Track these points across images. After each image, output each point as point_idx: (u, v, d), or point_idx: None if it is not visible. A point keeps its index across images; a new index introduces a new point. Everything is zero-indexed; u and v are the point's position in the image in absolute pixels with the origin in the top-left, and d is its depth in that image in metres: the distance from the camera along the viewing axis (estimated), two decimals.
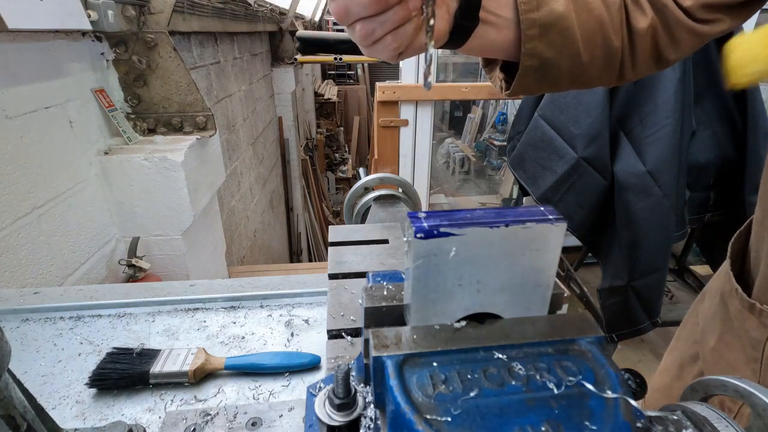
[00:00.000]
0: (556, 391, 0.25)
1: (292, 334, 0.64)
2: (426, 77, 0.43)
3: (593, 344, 0.29)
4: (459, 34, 0.49)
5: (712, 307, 0.69)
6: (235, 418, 0.41)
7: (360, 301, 0.34)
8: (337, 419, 0.31)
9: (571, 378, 0.26)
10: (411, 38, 0.44)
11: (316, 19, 7.37)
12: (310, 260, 4.69)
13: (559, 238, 0.29)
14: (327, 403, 0.32)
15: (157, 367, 0.54)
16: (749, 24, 2.17)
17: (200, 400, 0.53)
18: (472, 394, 0.25)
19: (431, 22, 0.40)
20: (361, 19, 0.41)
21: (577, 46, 0.51)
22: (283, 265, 3.33)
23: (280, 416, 0.42)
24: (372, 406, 0.31)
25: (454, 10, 0.47)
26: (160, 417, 0.50)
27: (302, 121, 5.18)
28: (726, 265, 0.67)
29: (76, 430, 0.38)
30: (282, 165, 4.15)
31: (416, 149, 2.53)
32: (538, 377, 0.26)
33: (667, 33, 0.53)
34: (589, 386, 0.26)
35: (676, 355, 0.81)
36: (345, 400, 0.31)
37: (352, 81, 9.47)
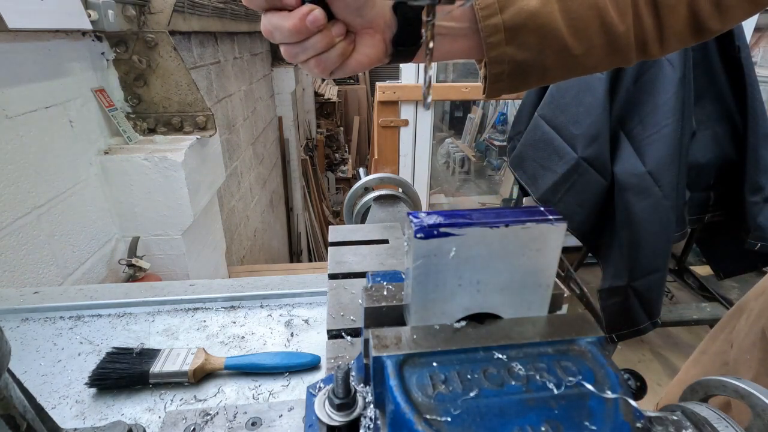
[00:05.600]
0: (555, 392, 0.25)
1: (292, 334, 0.64)
2: (425, 98, 0.43)
3: (593, 344, 0.29)
4: (400, 57, 0.47)
5: (751, 336, 0.61)
6: (234, 417, 0.41)
7: (360, 301, 0.34)
8: (337, 419, 0.31)
9: (570, 378, 0.26)
10: (336, 63, 0.43)
11: None
12: (310, 260, 4.69)
13: (559, 238, 0.29)
14: (327, 403, 0.32)
15: (157, 367, 0.53)
16: (749, 23, 2.17)
17: (200, 400, 0.53)
18: (471, 394, 0.25)
19: (430, 45, 0.40)
20: (284, 43, 0.41)
21: (562, 41, 0.46)
22: (283, 265, 3.32)
23: (280, 416, 0.42)
24: (372, 406, 0.31)
25: (389, 38, 0.45)
26: (159, 417, 0.50)
27: (302, 121, 5.18)
28: None
29: (75, 429, 0.38)
30: (282, 165, 4.15)
31: (416, 149, 2.53)
32: (537, 377, 0.26)
33: (712, 0, 0.46)
34: (589, 386, 0.26)
35: (699, 371, 0.74)
36: (345, 400, 0.31)
37: (352, 81, 9.47)
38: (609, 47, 0.47)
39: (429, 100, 0.43)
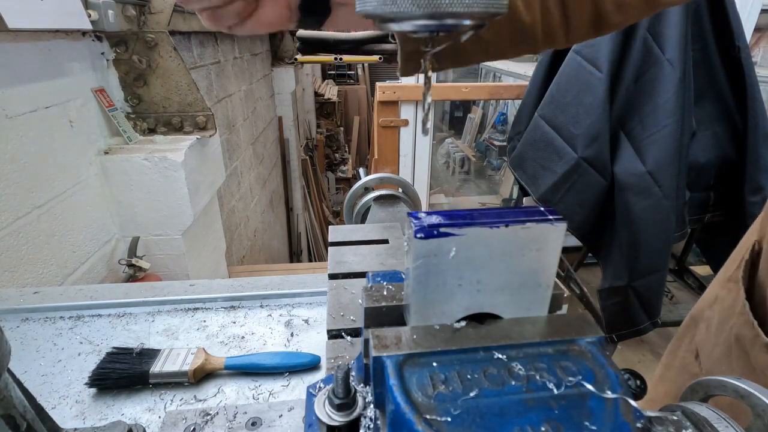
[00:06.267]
0: (555, 392, 0.25)
1: (291, 334, 0.64)
2: (424, 124, 0.42)
3: (593, 344, 0.29)
4: (307, 24, 0.45)
5: (720, 345, 0.60)
6: (234, 417, 0.41)
7: (360, 301, 0.34)
8: (337, 419, 0.31)
9: (570, 378, 0.26)
10: (231, 21, 0.42)
11: None
12: (310, 260, 4.69)
13: (559, 238, 0.29)
14: (327, 403, 0.32)
15: (157, 367, 0.53)
16: (749, 23, 2.16)
17: (200, 400, 0.53)
18: (471, 394, 0.25)
19: (429, 74, 0.40)
20: None
21: None
22: (283, 265, 3.32)
23: (280, 416, 0.42)
24: (372, 406, 0.31)
25: (295, 4, 0.42)
26: (159, 417, 0.50)
27: (302, 121, 5.18)
28: (736, 300, 0.57)
29: (75, 429, 0.38)
30: (282, 165, 4.15)
31: (416, 149, 2.53)
32: (537, 377, 0.26)
33: None
34: (589, 386, 0.26)
35: (669, 387, 0.72)
36: (345, 400, 0.31)
37: (352, 81, 9.47)
38: (516, 37, 0.49)
39: (429, 125, 0.43)
